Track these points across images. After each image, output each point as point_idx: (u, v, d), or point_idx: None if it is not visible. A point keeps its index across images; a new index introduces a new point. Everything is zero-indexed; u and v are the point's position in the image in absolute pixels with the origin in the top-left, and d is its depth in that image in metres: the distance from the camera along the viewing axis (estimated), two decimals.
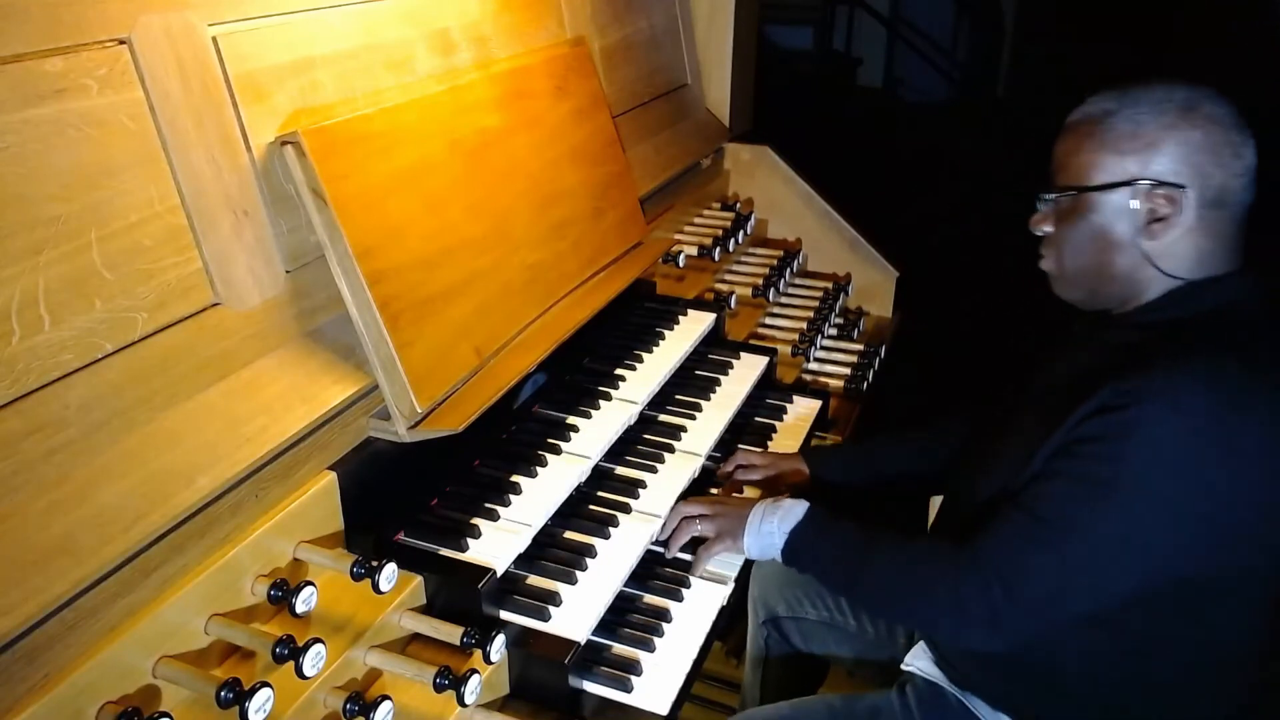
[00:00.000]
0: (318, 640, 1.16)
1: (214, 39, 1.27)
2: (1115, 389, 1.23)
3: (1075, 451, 1.26)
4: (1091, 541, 1.24)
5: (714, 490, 1.85)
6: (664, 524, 1.64)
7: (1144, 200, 1.31)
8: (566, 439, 1.70)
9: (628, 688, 1.39)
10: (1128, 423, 1.21)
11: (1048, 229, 1.43)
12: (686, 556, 1.63)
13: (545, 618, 1.40)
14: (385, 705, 1.20)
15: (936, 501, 2.09)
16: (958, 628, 1.34)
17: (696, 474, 1.80)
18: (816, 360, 2.40)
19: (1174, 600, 1.28)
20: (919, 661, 1.58)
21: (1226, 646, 1.33)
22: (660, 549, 1.65)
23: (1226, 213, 1.31)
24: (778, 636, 1.94)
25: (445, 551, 1.43)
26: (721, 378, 2.06)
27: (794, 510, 1.52)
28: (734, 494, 1.82)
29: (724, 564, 1.63)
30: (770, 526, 1.52)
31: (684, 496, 1.74)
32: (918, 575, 1.37)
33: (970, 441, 1.63)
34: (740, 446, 1.93)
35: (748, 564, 1.68)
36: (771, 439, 2.02)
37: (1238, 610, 1.31)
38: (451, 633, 1.31)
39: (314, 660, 1.15)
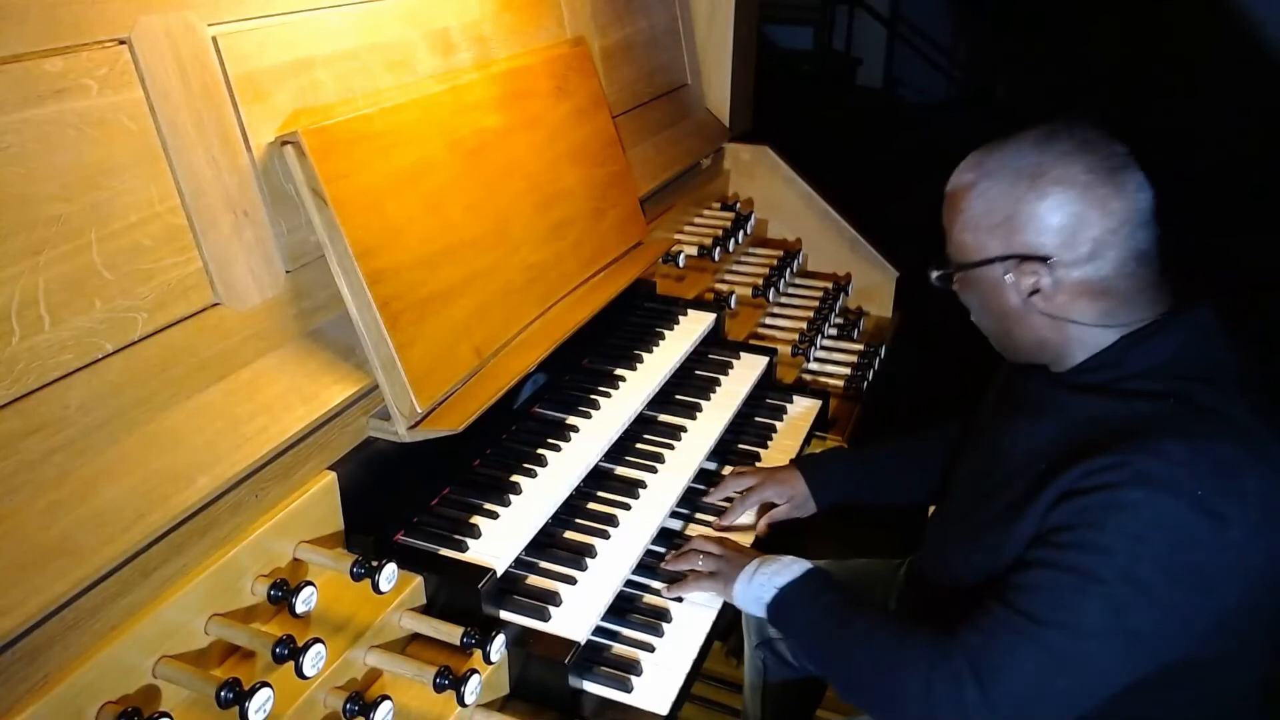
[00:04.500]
0: (318, 640, 1.16)
1: (214, 39, 1.27)
2: (1084, 470, 1.18)
3: (1053, 540, 1.19)
4: (1077, 634, 1.16)
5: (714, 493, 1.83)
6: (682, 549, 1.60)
7: (1015, 274, 1.28)
8: (566, 439, 1.70)
9: (628, 688, 1.39)
10: (1103, 507, 1.15)
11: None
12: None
13: (545, 618, 1.40)
14: (385, 705, 1.20)
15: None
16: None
17: (696, 474, 1.80)
18: (816, 360, 2.40)
19: (1158, 681, 1.20)
20: None
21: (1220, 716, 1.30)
22: (659, 549, 1.65)
23: (1110, 267, 1.24)
24: (774, 658, 1.91)
25: (445, 551, 1.43)
26: (721, 378, 2.06)
27: (791, 567, 1.46)
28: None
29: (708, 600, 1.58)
30: (762, 579, 1.45)
31: (684, 496, 1.74)
32: (889, 659, 1.27)
33: (945, 484, 1.57)
34: (728, 469, 1.88)
35: None
36: (771, 439, 2.02)
37: (1229, 682, 1.27)
38: (451, 633, 1.31)
39: (314, 660, 1.15)
